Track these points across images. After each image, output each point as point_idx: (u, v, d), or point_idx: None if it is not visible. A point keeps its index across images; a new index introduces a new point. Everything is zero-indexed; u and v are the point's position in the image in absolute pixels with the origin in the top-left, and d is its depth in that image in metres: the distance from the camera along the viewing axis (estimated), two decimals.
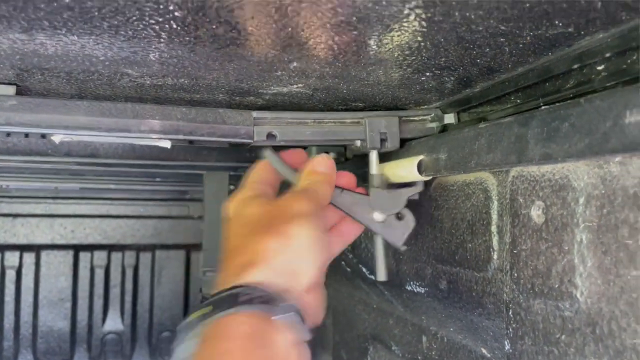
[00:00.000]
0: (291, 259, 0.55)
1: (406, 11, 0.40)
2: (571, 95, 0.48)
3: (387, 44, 0.47)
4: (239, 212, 0.61)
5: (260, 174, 0.67)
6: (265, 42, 0.47)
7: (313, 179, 0.65)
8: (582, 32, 0.43)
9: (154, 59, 0.51)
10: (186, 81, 0.59)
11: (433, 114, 0.71)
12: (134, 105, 0.65)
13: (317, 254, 0.57)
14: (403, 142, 0.71)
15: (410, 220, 0.67)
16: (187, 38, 0.46)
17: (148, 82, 0.60)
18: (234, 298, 0.49)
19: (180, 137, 0.67)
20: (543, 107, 0.45)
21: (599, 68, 0.45)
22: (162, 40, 0.46)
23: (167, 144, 0.69)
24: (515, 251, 0.53)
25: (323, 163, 0.66)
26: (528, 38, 0.45)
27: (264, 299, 0.50)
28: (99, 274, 2.39)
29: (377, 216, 0.67)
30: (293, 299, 0.52)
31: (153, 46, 0.48)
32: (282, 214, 0.57)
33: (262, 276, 0.52)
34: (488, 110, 0.63)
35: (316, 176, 0.65)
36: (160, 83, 0.60)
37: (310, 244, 0.56)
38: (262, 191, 0.64)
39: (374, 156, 0.70)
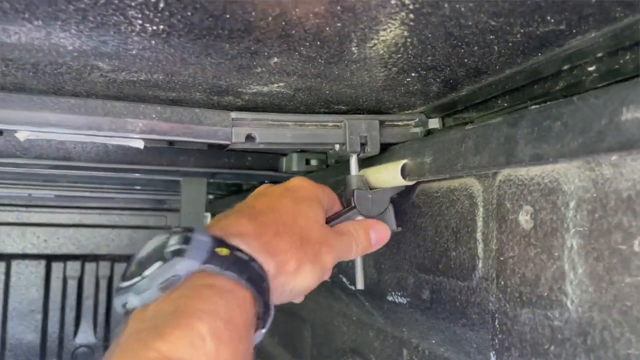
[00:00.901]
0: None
1: (394, 1, 0.38)
2: (560, 98, 0.46)
3: (372, 39, 0.45)
4: (307, 190, 0.60)
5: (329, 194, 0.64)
6: (244, 33, 0.44)
7: (361, 233, 0.62)
8: (574, 31, 0.41)
9: (126, 50, 0.48)
10: (161, 77, 0.56)
11: (417, 119, 0.69)
12: (106, 102, 0.62)
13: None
14: (386, 147, 0.69)
15: (389, 206, 0.66)
16: (161, 26, 0.43)
17: (120, 77, 0.57)
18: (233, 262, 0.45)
19: (154, 137, 0.64)
20: (533, 107, 0.43)
21: (590, 69, 0.43)
22: (133, 28, 0.43)
23: (140, 144, 0.66)
24: (502, 258, 0.50)
25: (381, 234, 0.63)
26: (518, 36, 0.43)
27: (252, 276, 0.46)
28: (72, 285, 2.33)
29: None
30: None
31: (124, 35, 0.45)
32: (329, 238, 0.56)
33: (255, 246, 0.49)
34: (474, 115, 0.61)
35: (365, 234, 0.62)
36: (133, 79, 0.57)
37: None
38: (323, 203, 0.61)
39: (353, 160, 0.67)
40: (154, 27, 0.43)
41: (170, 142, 0.89)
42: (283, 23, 0.42)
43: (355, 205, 0.64)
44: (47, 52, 0.49)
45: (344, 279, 0.94)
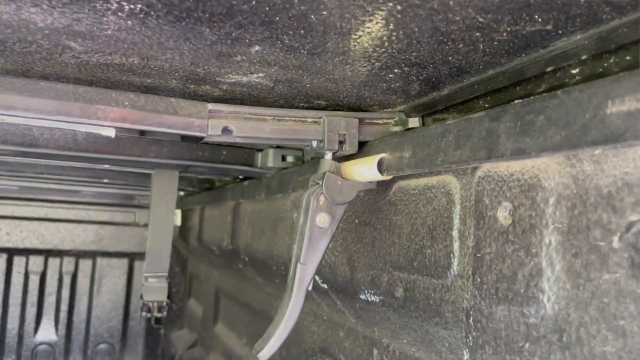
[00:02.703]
0: None
1: None
2: None
3: (358, 30, 0.44)
4: None
5: None
6: (225, 16, 0.43)
7: None
8: (560, 32, 0.41)
9: (100, 30, 0.47)
10: (136, 61, 0.54)
11: (397, 118, 0.69)
12: (77, 87, 0.60)
13: None
14: (363, 145, 0.69)
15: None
16: (139, 5, 0.41)
17: (93, 59, 0.55)
18: None
19: (127, 125, 0.62)
20: (516, 101, 0.43)
21: (574, 71, 0.43)
22: (110, 6, 0.42)
23: (111, 133, 0.64)
24: (478, 255, 0.50)
25: None
26: (504, 34, 0.43)
27: None
28: (34, 280, 2.26)
29: (322, 222, 0.64)
30: None
31: (100, 13, 0.43)
32: None
33: None
34: (454, 115, 0.61)
35: None
36: (107, 62, 0.55)
37: None
38: None
39: (327, 158, 0.66)
40: (132, 6, 0.42)
41: (142, 132, 0.87)
42: (267, 8, 0.41)
43: (323, 187, 0.63)
44: (16, 29, 0.47)
45: (316, 277, 0.93)
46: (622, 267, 0.36)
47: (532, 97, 0.41)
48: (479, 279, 0.50)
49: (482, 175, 0.50)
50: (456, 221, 0.56)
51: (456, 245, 0.56)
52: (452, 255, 0.56)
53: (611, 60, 0.40)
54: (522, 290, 0.44)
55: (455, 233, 0.56)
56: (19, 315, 2.25)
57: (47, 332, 2.32)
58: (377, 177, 0.62)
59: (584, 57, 0.42)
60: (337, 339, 1.00)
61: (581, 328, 0.39)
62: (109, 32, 0.47)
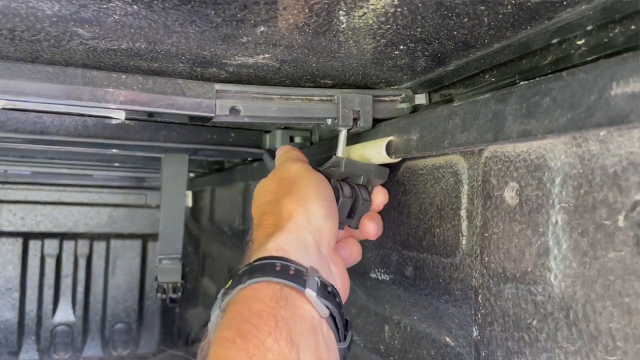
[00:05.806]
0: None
1: None
2: (548, 72, 0.46)
3: (362, 7, 0.44)
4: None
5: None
6: None
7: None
8: (565, 3, 0.41)
9: (106, 15, 0.47)
10: (143, 45, 0.55)
11: (404, 94, 0.69)
12: (86, 71, 0.60)
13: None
14: (373, 122, 0.69)
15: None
16: None
17: (101, 45, 0.55)
18: (266, 268, 0.49)
19: (136, 107, 0.63)
20: (522, 83, 0.42)
21: (579, 42, 0.43)
22: None
23: (120, 115, 0.64)
24: (486, 234, 0.51)
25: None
26: (509, 7, 0.42)
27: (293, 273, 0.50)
28: (50, 263, 2.29)
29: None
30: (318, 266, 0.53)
31: (105, 0, 0.43)
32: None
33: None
34: (461, 91, 0.61)
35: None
36: (114, 47, 0.55)
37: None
38: None
39: (342, 136, 0.67)
40: None
41: (150, 114, 0.87)
42: None
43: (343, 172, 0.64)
44: (24, 17, 0.47)
45: None
46: (628, 245, 0.36)
47: (537, 79, 0.41)
48: (487, 258, 0.51)
49: (489, 155, 0.50)
50: (464, 201, 0.56)
51: (464, 224, 0.56)
52: (460, 234, 0.57)
53: (616, 30, 0.40)
54: (529, 269, 0.45)
55: (463, 213, 0.56)
56: (37, 297, 2.29)
57: (65, 314, 2.36)
58: (386, 160, 0.62)
59: (589, 28, 0.42)
60: (349, 316, 1.01)
61: (587, 305, 0.39)
62: (116, 17, 0.48)
